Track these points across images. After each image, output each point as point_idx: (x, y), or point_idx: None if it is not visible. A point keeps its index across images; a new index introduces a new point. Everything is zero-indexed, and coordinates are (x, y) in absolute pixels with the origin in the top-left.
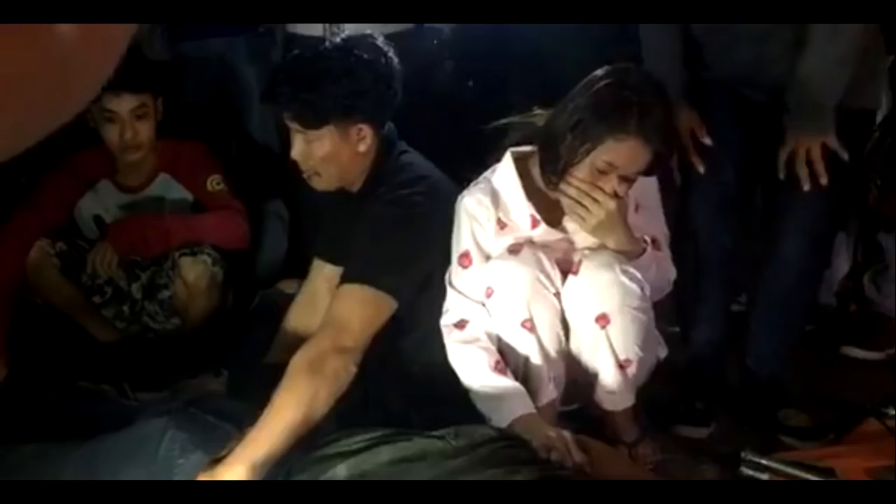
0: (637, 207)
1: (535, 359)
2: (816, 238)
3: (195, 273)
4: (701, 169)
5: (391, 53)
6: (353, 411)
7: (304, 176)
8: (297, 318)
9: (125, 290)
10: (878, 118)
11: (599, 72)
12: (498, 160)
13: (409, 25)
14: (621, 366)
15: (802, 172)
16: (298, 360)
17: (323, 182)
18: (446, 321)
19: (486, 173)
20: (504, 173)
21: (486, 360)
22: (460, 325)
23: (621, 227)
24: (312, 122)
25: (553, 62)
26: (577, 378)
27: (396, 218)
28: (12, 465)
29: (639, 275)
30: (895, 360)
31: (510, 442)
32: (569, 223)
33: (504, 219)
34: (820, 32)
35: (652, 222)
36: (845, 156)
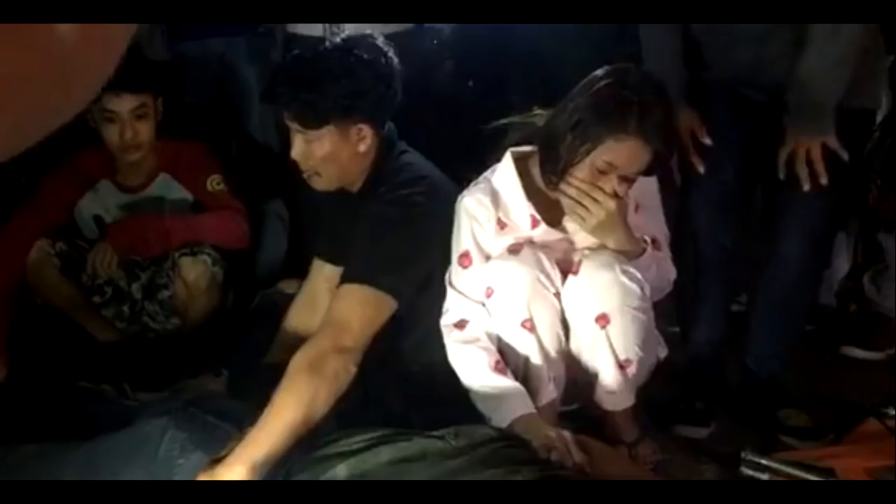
0: (637, 207)
1: (535, 359)
2: (816, 238)
3: (195, 273)
4: (701, 169)
5: (391, 53)
6: (353, 411)
7: (304, 176)
8: (297, 318)
9: (125, 290)
10: (878, 118)
11: (599, 72)
12: (498, 160)
13: (409, 25)
14: (621, 366)
15: (802, 172)
16: (298, 360)
17: (323, 182)
18: (446, 321)
19: (486, 173)
20: (504, 173)
21: (486, 360)
22: (460, 325)
23: (621, 227)
24: (312, 122)
25: (553, 62)
26: (577, 378)
27: (396, 218)
28: (12, 465)
29: (639, 275)
30: (895, 360)
31: (510, 442)
32: (569, 223)
33: (504, 219)
34: (820, 32)
35: (652, 222)
36: (845, 156)
